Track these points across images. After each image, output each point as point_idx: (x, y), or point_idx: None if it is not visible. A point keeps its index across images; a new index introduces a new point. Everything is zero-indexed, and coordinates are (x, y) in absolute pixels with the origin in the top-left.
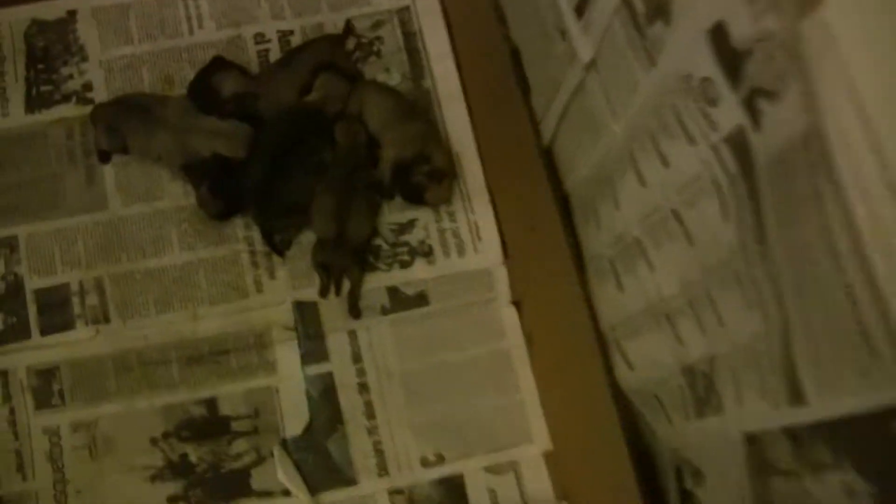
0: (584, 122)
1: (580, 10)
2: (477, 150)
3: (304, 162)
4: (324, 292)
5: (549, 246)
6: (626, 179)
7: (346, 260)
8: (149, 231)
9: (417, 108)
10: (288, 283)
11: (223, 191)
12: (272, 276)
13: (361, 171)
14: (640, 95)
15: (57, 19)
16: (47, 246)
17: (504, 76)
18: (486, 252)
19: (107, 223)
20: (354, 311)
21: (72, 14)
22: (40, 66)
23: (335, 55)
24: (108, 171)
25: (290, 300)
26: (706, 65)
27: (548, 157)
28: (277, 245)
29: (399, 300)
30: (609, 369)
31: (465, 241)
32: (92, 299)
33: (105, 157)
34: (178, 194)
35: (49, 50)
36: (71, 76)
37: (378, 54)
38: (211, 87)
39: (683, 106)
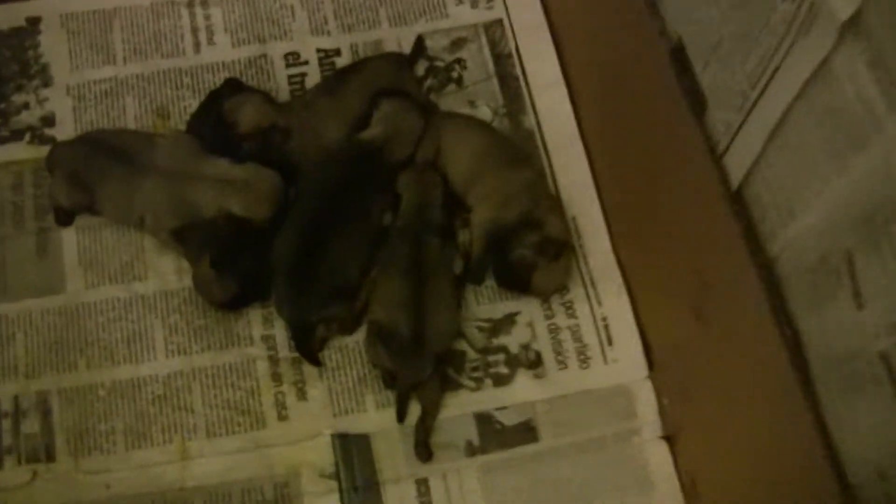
0: (822, 132)
1: None
2: (602, 210)
3: (355, 226)
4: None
5: (731, 345)
6: None
7: (421, 371)
8: (121, 325)
9: (520, 153)
10: (326, 406)
11: (234, 268)
12: (302, 395)
13: (438, 240)
14: None
15: (12, 29)
16: None
17: (657, 90)
18: (622, 361)
19: (61, 312)
20: (424, 451)
21: (33, 22)
22: None
23: (400, 78)
24: (68, 238)
25: (329, 432)
26: None
27: (737, 205)
28: (313, 349)
29: (493, 434)
30: None
31: (590, 346)
32: (30, 425)
33: (65, 218)
34: (166, 272)
35: None
36: (26, 106)
37: (459, 82)
38: (222, 116)
39: None
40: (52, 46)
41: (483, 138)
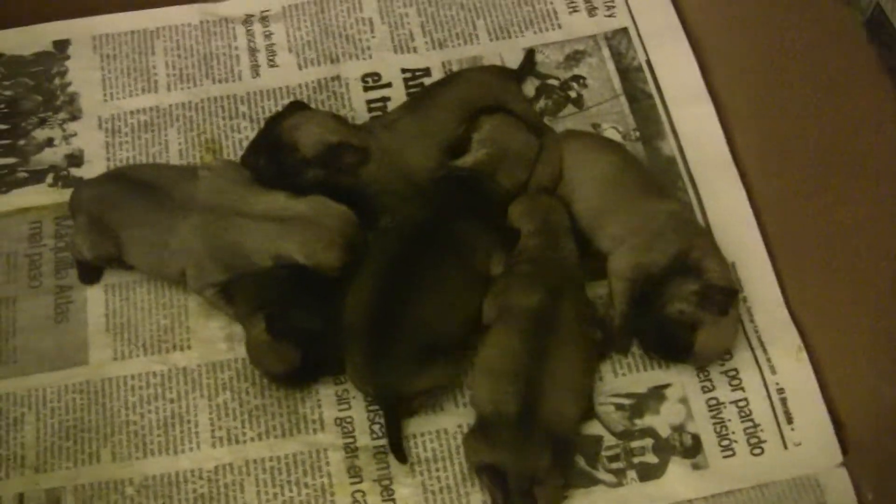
0: None
1: None
2: (768, 252)
3: (450, 273)
4: None
5: None
6: None
7: (538, 461)
8: (157, 406)
9: (660, 180)
10: None
11: (297, 331)
12: (388, 495)
13: (565, 289)
14: None
15: (36, 54)
16: None
17: (847, 87)
18: (807, 444)
19: (81, 390)
20: None
21: (61, 45)
22: (0, 127)
23: (505, 93)
24: (94, 299)
25: None
26: None
27: None
28: (402, 440)
29: None
30: None
31: (764, 426)
32: None
33: (90, 275)
34: (213, 340)
35: (17, 102)
36: (49, 142)
37: (578, 103)
38: (282, 139)
39: None
40: (81, 73)
41: (615, 161)
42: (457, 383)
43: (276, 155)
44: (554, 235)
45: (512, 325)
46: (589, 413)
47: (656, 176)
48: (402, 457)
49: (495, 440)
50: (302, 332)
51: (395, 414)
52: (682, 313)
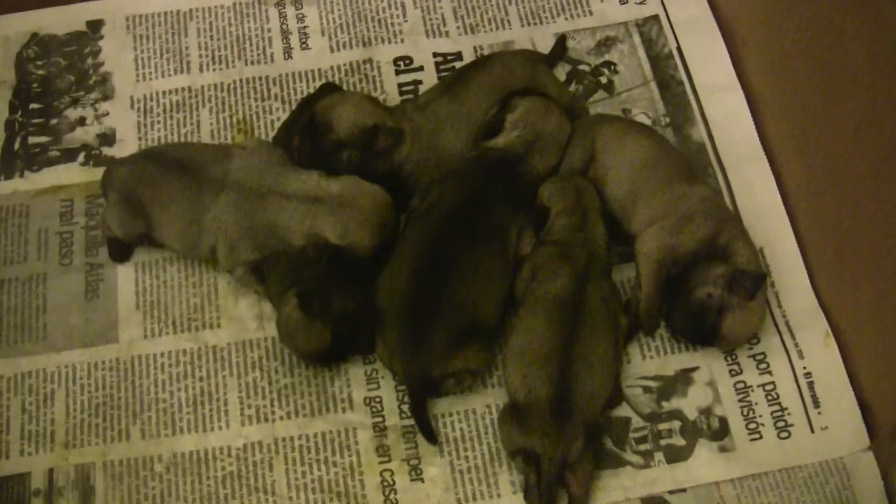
0: None
1: None
2: (797, 239)
3: (486, 253)
4: (529, 496)
5: None
6: None
7: (571, 446)
8: (186, 384)
9: (693, 165)
10: (447, 489)
11: (329, 310)
12: (417, 474)
13: (591, 272)
14: None
15: (70, 34)
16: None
17: (881, 75)
18: (834, 429)
19: (112, 367)
20: None
21: (94, 25)
22: (33, 107)
23: (538, 76)
24: (124, 277)
25: None
26: None
27: None
28: (429, 420)
29: None
30: None
31: (791, 409)
32: None
33: (121, 252)
34: (244, 318)
35: (50, 81)
36: (81, 121)
37: (609, 89)
38: (314, 119)
39: None
40: (115, 53)
41: (646, 146)
42: (486, 369)
43: (310, 136)
44: (584, 216)
45: (540, 309)
46: (618, 398)
47: (689, 161)
48: (431, 437)
49: (529, 426)
50: (333, 311)
51: (422, 396)
52: (710, 297)
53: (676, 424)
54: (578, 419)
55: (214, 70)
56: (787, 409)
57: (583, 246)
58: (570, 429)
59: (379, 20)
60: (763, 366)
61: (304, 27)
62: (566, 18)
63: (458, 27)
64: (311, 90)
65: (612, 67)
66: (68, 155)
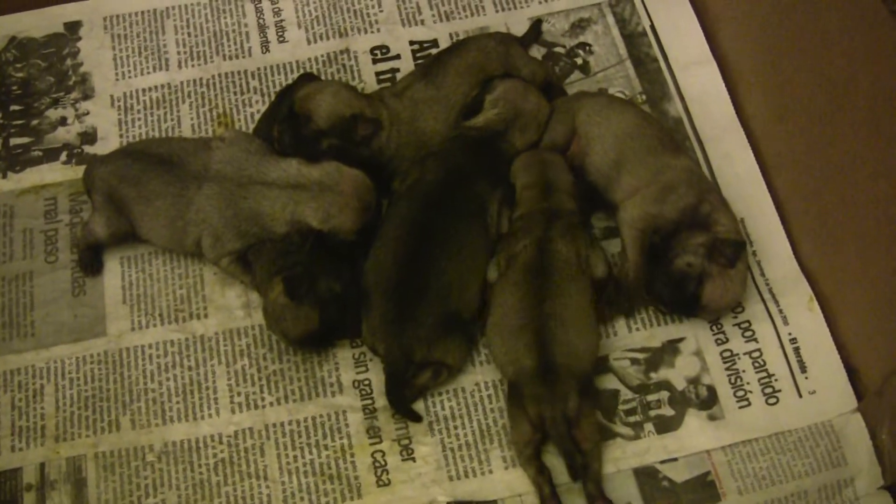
0: None
1: None
2: (776, 207)
3: (469, 234)
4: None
5: None
6: None
7: (567, 403)
8: (175, 374)
9: (674, 137)
10: (439, 467)
11: (314, 295)
12: (408, 454)
13: (567, 237)
14: None
15: (48, 36)
16: None
17: (862, 43)
18: (822, 392)
19: (100, 360)
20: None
21: (72, 27)
22: (14, 108)
23: (513, 57)
24: (111, 272)
25: (445, 500)
26: None
27: None
28: (407, 400)
29: (660, 493)
30: None
31: (778, 375)
32: (59, 500)
33: (92, 266)
34: (230, 307)
35: (30, 83)
36: (62, 121)
37: (585, 69)
38: (296, 110)
39: None
40: (93, 53)
41: (629, 118)
42: (462, 367)
43: (290, 126)
44: (548, 187)
45: (509, 282)
46: (596, 351)
47: (672, 133)
48: (412, 416)
49: (524, 398)
50: (319, 295)
51: (399, 378)
52: (691, 265)
53: (665, 395)
54: (566, 376)
55: (193, 66)
56: (773, 375)
57: (546, 212)
58: (560, 388)
59: (355, 11)
60: (749, 333)
61: (281, 20)
62: (540, 2)
63: (433, 15)
64: (290, 82)
65: (587, 48)
66: (51, 154)
